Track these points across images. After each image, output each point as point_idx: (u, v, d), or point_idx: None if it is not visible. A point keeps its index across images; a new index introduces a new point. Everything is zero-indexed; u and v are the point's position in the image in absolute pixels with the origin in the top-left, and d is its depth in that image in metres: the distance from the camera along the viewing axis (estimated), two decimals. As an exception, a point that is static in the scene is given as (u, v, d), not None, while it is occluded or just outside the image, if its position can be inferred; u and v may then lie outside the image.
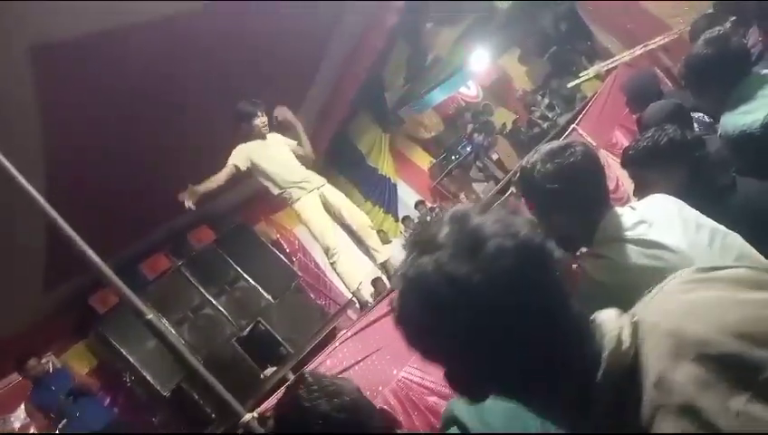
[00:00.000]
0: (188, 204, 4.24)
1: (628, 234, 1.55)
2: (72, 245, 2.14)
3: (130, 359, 5.74)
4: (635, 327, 0.81)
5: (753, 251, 1.54)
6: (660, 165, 2.05)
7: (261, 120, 4.67)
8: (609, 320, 0.84)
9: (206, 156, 4.52)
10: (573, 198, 1.61)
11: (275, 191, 4.74)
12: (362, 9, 6.41)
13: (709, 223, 1.60)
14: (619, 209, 1.66)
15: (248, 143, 4.65)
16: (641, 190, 2.11)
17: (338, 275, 5.00)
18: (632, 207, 1.69)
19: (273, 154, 4.69)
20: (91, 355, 6.52)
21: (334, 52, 6.75)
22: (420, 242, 0.85)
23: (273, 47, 5.49)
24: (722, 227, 1.59)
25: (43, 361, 5.55)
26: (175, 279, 6.53)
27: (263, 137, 4.70)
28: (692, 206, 1.71)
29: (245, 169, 4.58)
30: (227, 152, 4.54)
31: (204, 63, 4.94)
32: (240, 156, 4.58)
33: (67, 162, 4.43)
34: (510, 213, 0.85)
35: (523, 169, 1.66)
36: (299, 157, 4.83)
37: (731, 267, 0.83)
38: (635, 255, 1.50)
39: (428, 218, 10.15)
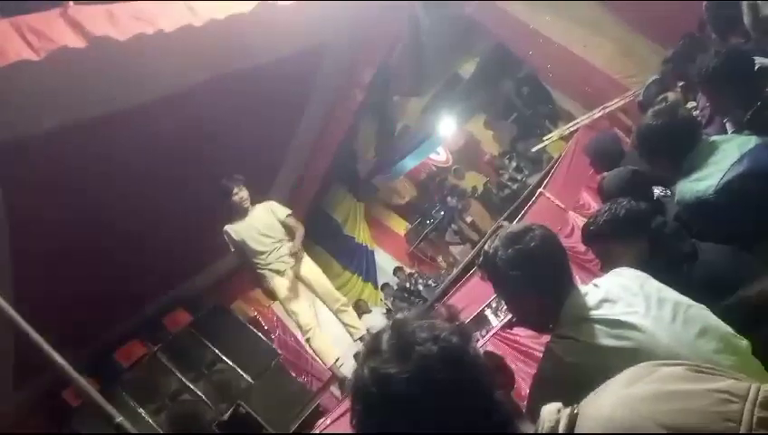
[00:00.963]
0: None
1: (593, 313, 1.57)
2: (37, 348, 2.10)
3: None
4: (572, 418, 0.88)
5: (717, 322, 1.56)
6: (621, 238, 2.10)
7: (239, 196, 4.71)
8: (549, 411, 0.92)
9: (175, 241, 4.50)
10: (535, 281, 1.65)
11: (254, 269, 4.80)
12: (330, 88, 6.59)
13: (672, 296, 1.62)
14: (583, 288, 1.68)
15: (230, 226, 4.73)
16: (606, 264, 2.15)
17: (313, 351, 4.96)
18: (596, 284, 1.71)
19: (249, 236, 4.72)
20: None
21: (304, 129, 6.87)
22: (367, 348, 0.98)
23: (244, 127, 5.56)
24: (684, 300, 1.62)
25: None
26: (151, 366, 6.34)
27: (243, 211, 4.74)
28: (655, 276, 1.73)
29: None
30: (201, 235, 4.55)
31: (173, 149, 4.96)
32: (230, 242, 4.68)
33: (35, 256, 4.36)
34: (446, 317, 0.99)
35: (486, 255, 1.69)
36: (287, 226, 4.87)
37: (672, 365, 0.89)
38: (600, 335, 1.51)
39: (407, 284, 10.16)
